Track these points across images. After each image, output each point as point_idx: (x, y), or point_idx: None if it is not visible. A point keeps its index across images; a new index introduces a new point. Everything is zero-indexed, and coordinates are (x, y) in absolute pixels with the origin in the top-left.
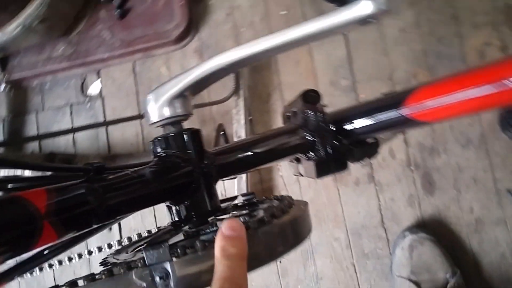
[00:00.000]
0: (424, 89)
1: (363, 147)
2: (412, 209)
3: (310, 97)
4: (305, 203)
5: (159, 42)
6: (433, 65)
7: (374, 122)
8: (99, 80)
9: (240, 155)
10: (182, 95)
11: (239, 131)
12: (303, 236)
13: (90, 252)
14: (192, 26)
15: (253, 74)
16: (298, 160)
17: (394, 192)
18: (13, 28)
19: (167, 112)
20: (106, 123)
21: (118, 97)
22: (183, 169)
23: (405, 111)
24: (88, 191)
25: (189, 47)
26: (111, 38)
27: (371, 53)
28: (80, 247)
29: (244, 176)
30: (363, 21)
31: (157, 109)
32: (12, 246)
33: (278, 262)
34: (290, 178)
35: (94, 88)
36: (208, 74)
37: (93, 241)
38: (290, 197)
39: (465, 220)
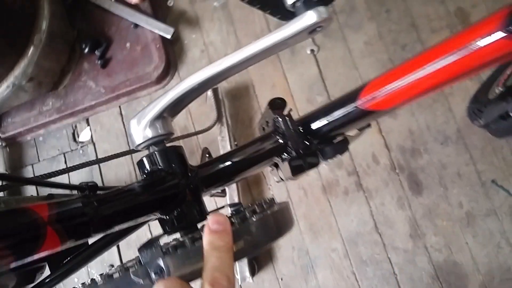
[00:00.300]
0: (375, 81)
1: (332, 145)
2: (403, 211)
3: (277, 104)
4: (286, 202)
5: (141, 84)
6: None
7: (336, 118)
8: (88, 127)
9: (221, 166)
10: (162, 116)
11: None
12: (284, 229)
13: (93, 281)
14: (170, 65)
15: (234, 102)
16: (276, 166)
17: (383, 197)
18: (3, 89)
19: (149, 133)
20: (98, 161)
21: (109, 140)
22: (169, 182)
23: (360, 104)
24: (84, 204)
25: (170, 85)
26: (96, 87)
27: (341, 68)
28: (83, 277)
29: (236, 197)
30: (311, 30)
31: (140, 131)
32: (21, 247)
33: (280, 280)
34: (281, 195)
35: (84, 135)
36: (182, 95)
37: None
38: (272, 199)
39: (456, 215)
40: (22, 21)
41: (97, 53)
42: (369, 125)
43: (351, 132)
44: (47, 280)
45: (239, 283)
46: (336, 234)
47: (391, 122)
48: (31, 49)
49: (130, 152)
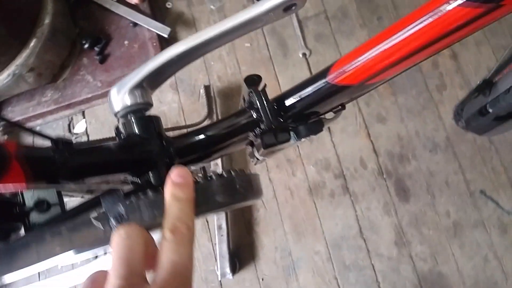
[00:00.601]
0: (346, 55)
1: (306, 124)
2: (389, 217)
3: (252, 80)
4: (256, 174)
5: None
6: None
7: (308, 95)
8: (84, 119)
9: (196, 138)
10: (142, 86)
11: None
12: (248, 194)
13: None
14: None
15: (226, 100)
16: (252, 145)
17: (369, 202)
18: (4, 77)
19: (128, 101)
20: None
21: (102, 133)
22: (142, 147)
23: (330, 78)
24: (54, 151)
25: (165, 82)
26: (93, 81)
27: None
28: None
29: None
30: (286, 8)
31: (119, 99)
32: None
33: (261, 280)
34: (268, 195)
35: (80, 127)
36: (162, 66)
37: None
38: (242, 169)
39: (443, 224)
40: (26, 15)
41: (97, 49)
42: (343, 107)
43: (327, 116)
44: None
45: (219, 279)
46: (320, 236)
47: (380, 127)
48: (34, 41)
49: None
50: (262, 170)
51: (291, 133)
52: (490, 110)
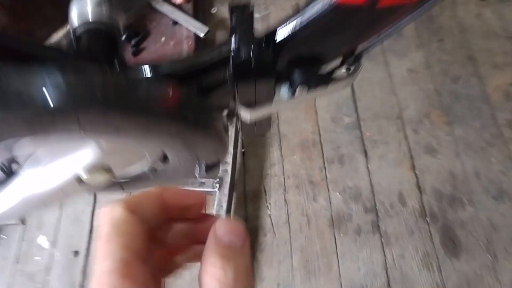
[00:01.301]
0: None
1: (304, 69)
2: (428, 273)
3: (238, 8)
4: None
5: None
6: (449, 105)
7: (307, 23)
8: None
9: (166, 70)
10: (110, 2)
11: (228, 160)
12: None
13: None
14: None
15: None
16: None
17: (404, 248)
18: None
19: (91, 13)
20: None
21: None
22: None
23: None
24: None
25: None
26: None
27: (377, 92)
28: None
29: (224, 204)
30: None
31: (83, 11)
32: None
33: None
34: (279, 218)
35: None
36: None
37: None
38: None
39: None
40: None
41: (133, 42)
42: (357, 58)
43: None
44: None
45: None
46: (335, 280)
47: (428, 160)
48: None
49: None
50: (278, 188)
51: (285, 85)
52: None
